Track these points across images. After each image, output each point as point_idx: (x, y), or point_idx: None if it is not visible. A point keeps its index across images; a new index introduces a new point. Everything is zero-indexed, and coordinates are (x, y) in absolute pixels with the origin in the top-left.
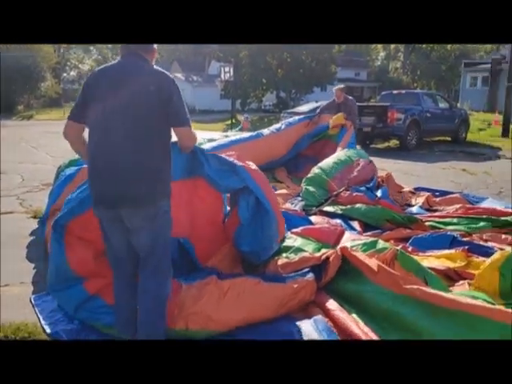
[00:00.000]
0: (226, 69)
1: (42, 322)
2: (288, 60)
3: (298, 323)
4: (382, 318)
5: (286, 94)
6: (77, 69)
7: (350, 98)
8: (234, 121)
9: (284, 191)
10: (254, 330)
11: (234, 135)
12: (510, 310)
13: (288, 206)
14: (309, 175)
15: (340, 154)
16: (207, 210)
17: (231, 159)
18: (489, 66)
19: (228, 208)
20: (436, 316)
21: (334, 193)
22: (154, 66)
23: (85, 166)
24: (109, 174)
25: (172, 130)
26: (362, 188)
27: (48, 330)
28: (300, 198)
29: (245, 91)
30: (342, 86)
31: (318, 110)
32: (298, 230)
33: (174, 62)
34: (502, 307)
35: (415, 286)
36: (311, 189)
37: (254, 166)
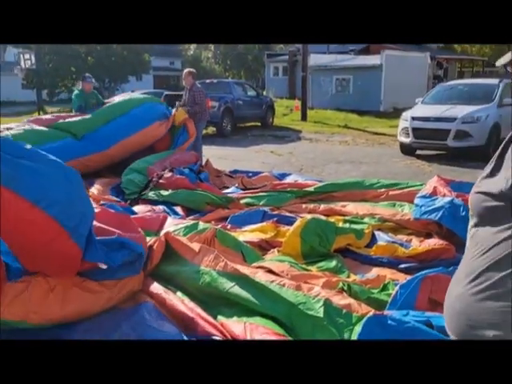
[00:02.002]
0: (26, 56)
1: None
2: (98, 47)
3: (126, 312)
4: (202, 294)
5: (99, 83)
6: None
7: (198, 86)
8: (41, 113)
9: (106, 179)
10: (80, 325)
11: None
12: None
13: (109, 197)
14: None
15: None
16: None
17: (115, 237)
18: (287, 57)
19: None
20: (246, 285)
21: (155, 174)
22: None
23: None
24: None
25: None
26: (186, 170)
27: None
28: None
29: (52, 80)
30: (191, 69)
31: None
32: None
33: None
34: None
35: (230, 264)
36: (130, 177)
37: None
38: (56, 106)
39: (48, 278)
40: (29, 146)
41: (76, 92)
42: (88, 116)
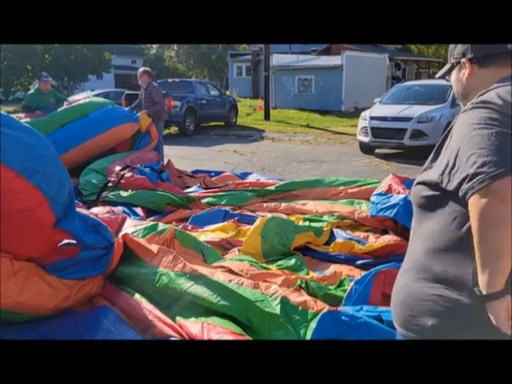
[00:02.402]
0: None
1: None
2: (56, 45)
3: (83, 315)
4: (161, 295)
5: (58, 81)
6: None
7: (155, 84)
8: None
9: None
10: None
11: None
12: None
13: None
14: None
15: None
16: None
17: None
18: (250, 57)
19: None
20: (204, 285)
21: (114, 174)
22: None
23: None
24: None
25: None
26: (147, 169)
27: None
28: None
29: (7, 79)
30: (146, 68)
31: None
32: None
33: None
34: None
35: (188, 265)
36: (88, 177)
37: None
38: (11, 105)
39: (14, 260)
40: (5, 113)
41: (31, 91)
42: (43, 118)
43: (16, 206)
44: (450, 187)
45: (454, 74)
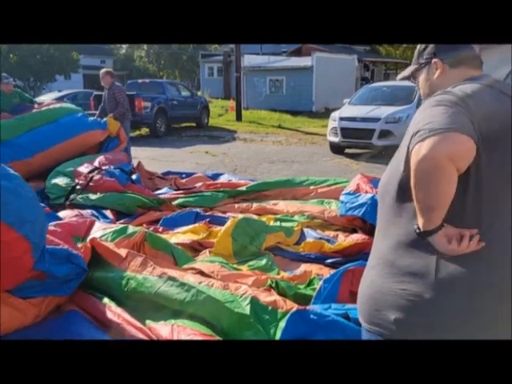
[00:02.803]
0: None
1: None
2: (21, 45)
3: (51, 321)
4: (129, 299)
5: (24, 82)
6: None
7: (118, 84)
8: None
9: (31, 184)
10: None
11: None
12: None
13: None
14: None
15: None
16: None
17: (65, 248)
18: (221, 57)
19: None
20: (173, 288)
21: (83, 177)
22: None
23: None
24: None
25: None
26: (117, 171)
27: None
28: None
29: None
30: (108, 69)
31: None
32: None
33: None
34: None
35: (158, 268)
36: (56, 180)
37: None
38: None
39: None
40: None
41: None
42: (11, 120)
43: (4, 255)
44: (410, 151)
45: (422, 73)
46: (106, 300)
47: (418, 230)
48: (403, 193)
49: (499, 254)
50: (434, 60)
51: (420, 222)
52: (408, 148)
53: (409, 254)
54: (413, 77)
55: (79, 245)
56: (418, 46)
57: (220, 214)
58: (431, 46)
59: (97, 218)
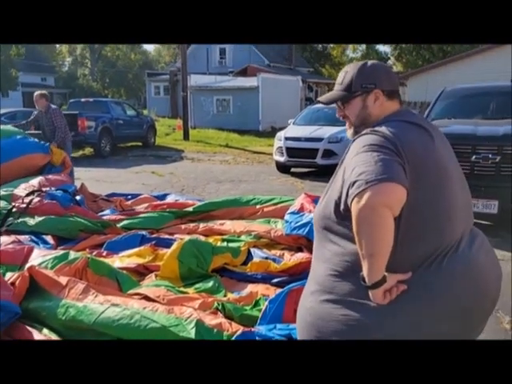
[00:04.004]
0: None
1: None
2: None
3: None
4: (68, 328)
5: None
6: None
7: (54, 107)
8: None
9: None
10: None
11: None
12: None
13: None
14: None
15: None
16: None
17: None
18: (168, 76)
19: None
20: (115, 314)
21: (20, 200)
22: None
23: None
24: None
25: None
26: (59, 192)
27: None
28: None
29: None
30: (43, 91)
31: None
32: None
33: None
34: None
35: (100, 296)
36: None
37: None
38: None
39: None
40: None
41: None
42: None
43: None
44: (348, 201)
45: (356, 101)
46: (45, 331)
47: (363, 283)
48: (339, 221)
49: (433, 278)
50: (375, 90)
51: (364, 270)
52: (347, 194)
53: (347, 281)
54: (342, 102)
55: (15, 274)
56: (353, 74)
57: (166, 236)
58: (371, 77)
59: (36, 243)
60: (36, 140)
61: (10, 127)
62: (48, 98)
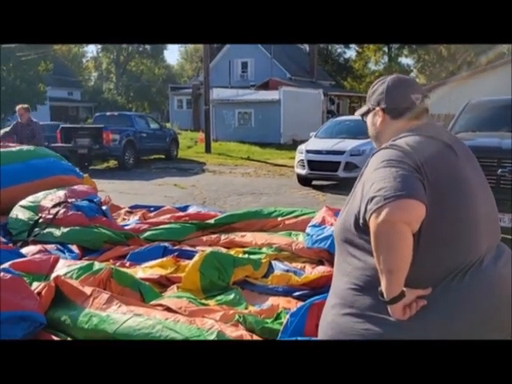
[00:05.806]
0: None
1: None
2: None
3: None
4: (88, 337)
5: None
6: None
7: (35, 120)
8: None
9: None
10: None
11: None
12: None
13: None
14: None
15: None
16: None
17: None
18: (190, 90)
19: None
20: (137, 324)
21: (47, 211)
22: None
23: None
24: None
25: None
26: (84, 203)
27: None
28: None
29: None
30: (25, 105)
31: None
32: (6, 265)
33: None
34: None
35: (123, 306)
36: (17, 215)
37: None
38: None
39: None
40: None
41: None
42: None
43: None
44: (366, 216)
45: (369, 117)
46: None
47: (381, 298)
48: (360, 235)
49: (454, 294)
50: (376, 108)
51: (382, 285)
52: (365, 210)
53: (367, 295)
54: (362, 117)
55: (42, 284)
56: (370, 90)
57: (188, 248)
58: (377, 95)
59: (62, 252)
60: (70, 164)
61: (44, 149)
62: (29, 111)
